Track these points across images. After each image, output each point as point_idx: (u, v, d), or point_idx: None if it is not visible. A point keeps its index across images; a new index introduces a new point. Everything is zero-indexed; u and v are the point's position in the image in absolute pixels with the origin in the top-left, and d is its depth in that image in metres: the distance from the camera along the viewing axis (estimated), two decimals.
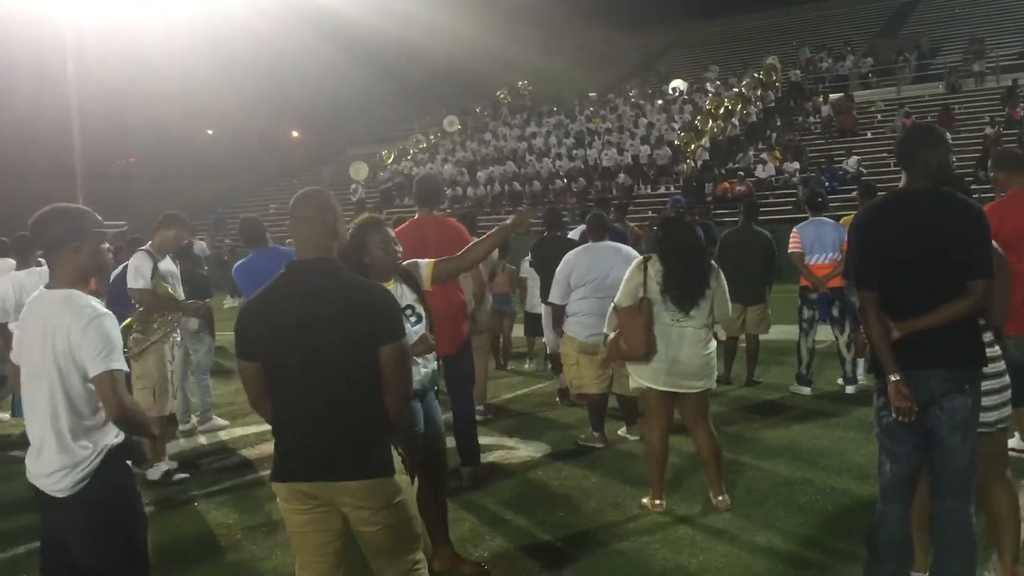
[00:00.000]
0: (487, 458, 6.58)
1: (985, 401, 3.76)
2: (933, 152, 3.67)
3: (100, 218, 3.44)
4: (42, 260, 8.05)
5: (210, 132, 48.42)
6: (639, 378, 5.41)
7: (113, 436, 3.26)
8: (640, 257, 5.52)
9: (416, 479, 4.16)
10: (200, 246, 19.29)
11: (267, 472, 6.68)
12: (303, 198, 3.25)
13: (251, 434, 7.91)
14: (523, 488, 6.04)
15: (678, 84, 36.07)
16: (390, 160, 36.86)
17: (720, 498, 5.38)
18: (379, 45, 41.40)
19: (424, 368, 4.29)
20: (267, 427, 8.13)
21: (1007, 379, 3.88)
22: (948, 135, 3.89)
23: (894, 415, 3.60)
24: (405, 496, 3.20)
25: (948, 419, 3.60)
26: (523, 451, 6.93)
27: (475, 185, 32.88)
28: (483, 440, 6.62)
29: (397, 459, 3.18)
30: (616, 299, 5.42)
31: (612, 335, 5.45)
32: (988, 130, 25.92)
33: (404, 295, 4.19)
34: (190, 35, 33.61)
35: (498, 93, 40.48)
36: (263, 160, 40.49)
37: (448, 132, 38.59)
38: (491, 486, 6.07)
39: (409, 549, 3.26)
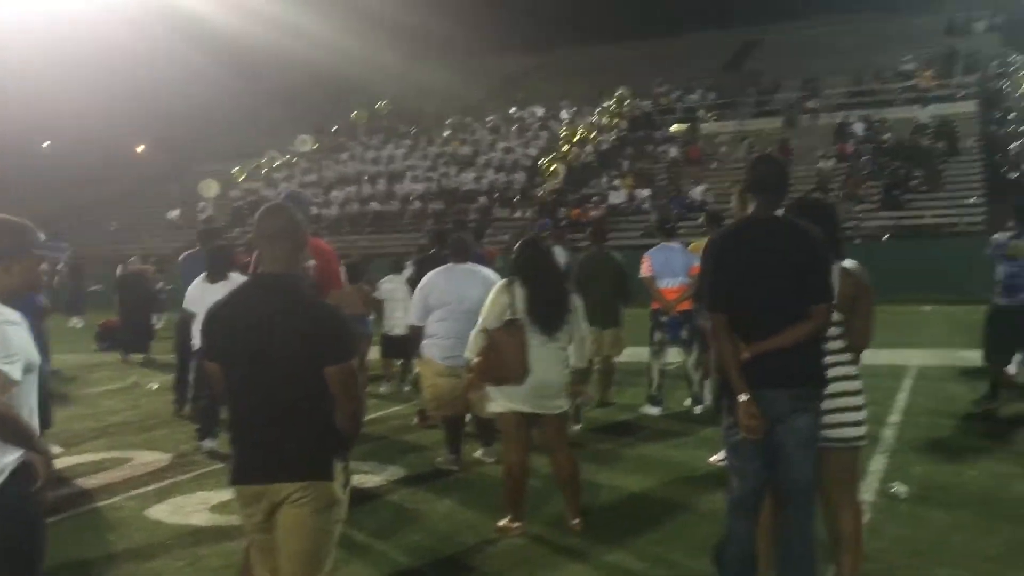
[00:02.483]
0: None
1: (846, 417, 3.95)
2: (781, 181, 3.90)
3: (42, 237, 3.25)
4: None
5: (46, 144, 45.72)
6: (504, 401, 5.36)
7: (12, 455, 3.00)
8: (503, 280, 5.54)
9: None
10: None
11: (104, 502, 6.36)
12: (269, 215, 3.34)
13: (87, 463, 7.48)
14: (379, 513, 5.93)
15: (537, 110, 36.73)
16: (242, 178, 35.89)
17: (575, 521, 5.41)
18: (233, 61, 40.22)
19: None
20: (103, 455, 7.76)
21: (863, 398, 4.05)
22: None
23: (743, 434, 3.73)
24: (339, 513, 3.28)
25: (793, 436, 3.76)
26: (379, 476, 6.82)
27: (329, 206, 32.39)
28: None
29: (340, 473, 3.26)
30: (482, 322, 5.40)
31: (476, 359, 5.40)
32: (822, 163, 27.52)
33: None
34: (28, 36, 31.73)
35: (353, 113, 40.11)
36: (106, 174, 38.58)
37: (302, 151, 37.94)
38: (349, 510, 5.92)
39: (321, 565, 3.24)
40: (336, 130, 39.75)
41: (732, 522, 3.93)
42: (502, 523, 5.44)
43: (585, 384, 5.54)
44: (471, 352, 5.45)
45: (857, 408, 4.01)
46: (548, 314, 5.29)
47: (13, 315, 3.07)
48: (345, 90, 40.74)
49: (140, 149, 42.51)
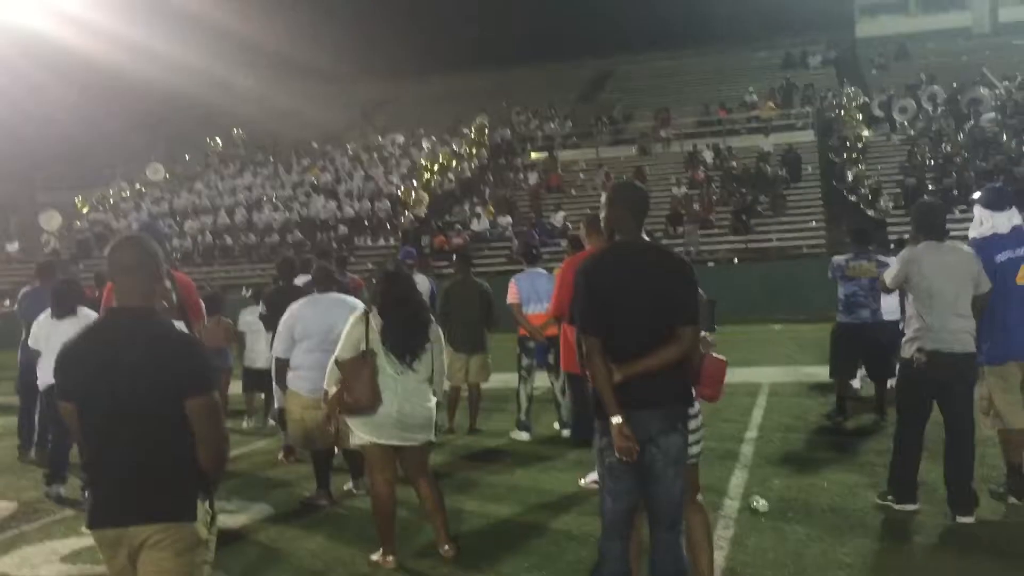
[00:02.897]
0: None
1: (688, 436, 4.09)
2: (645, 206, 4.03)
3: None
4: None
5: None
6: (362, 433, 5.30)
7: None
8: (360, 310, 5.50)
9: None
10: None
11: None
12: (123, 246, 3.20)
13: None
14: (245, 553, 5.73)
15: (398, 138, 36.69)
16: (85, 209, 34.28)
17: (446, 547, 5.39)
18: (78, 86, 38.39)
19: None
20: None
21: (701, 418, 4.27)
22: None
23: (617, 455, 3.79)
24: (205, 554, 3.13)
25: (663, 456, 3.85)
26: (244, 514, 6.58)
27: (183, 237, 31.32)
28: None
29: (204, 512, 3.11)
30: (337, 352, 5.34)
31: (333, 390, 5.32)
32: (675, 190, 28.56)
33: None
34: None
35: (208, 140, 39.02)
36: None
37: (153, 180, 36.59)
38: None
39: None
40: (190, 159, 38.55)
41: (605, 544, 3.98)
42: (375, 556, 5.36)
43: (441, 412, 5.54)
44: (328, 384, 5.39)
45: (695, 430, 4.22)
46: (404, 345, 5.27)
47: None
48: (200, 118, 39.56)
49: None
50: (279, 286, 8.40)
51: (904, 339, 5.82)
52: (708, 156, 30.66)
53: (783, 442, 8.08)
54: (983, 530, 5.48)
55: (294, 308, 6.66)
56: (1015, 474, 5.95)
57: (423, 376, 5.33)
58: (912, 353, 5.64)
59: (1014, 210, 5.97)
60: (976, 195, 6.32)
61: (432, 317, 5.58)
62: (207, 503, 3.16)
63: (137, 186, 36.24)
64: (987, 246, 5.88)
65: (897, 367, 6.27)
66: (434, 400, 5.44)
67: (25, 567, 5.63)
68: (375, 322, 5.27)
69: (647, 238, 4.08)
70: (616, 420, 3.75)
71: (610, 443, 3.83)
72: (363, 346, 5.23)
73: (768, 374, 11.98)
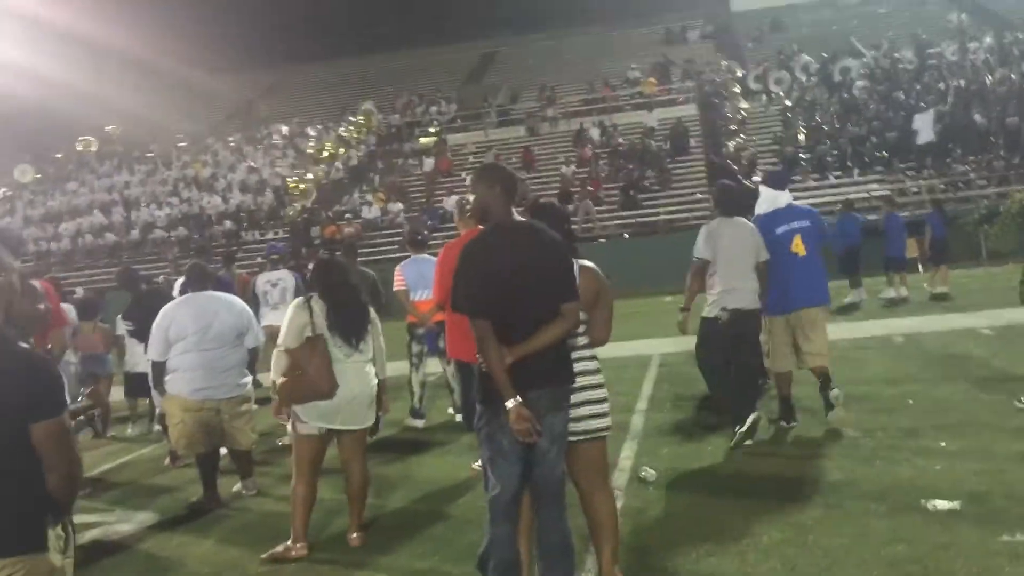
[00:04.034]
0: (86, 536, 5.96)
1: (592, 410, 4.12)
2: (514, 185, 4.03)
3: None
4: None
5: None
6: (312, 420, 5.28)
7: None
8: (299, 298, 5.51)
9: None
10: None
11: None
12: None
13: None
14: (131, 563, 5.55)
15: (282, 129, 35.92)
16: None
17: (355, 535, 5.41)
18: None
19: None
20: None
21: (605, 390, 4.25)
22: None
23: (515, 438, 3.76)
24: None
25: (548, 434, 3.86)
26: (128, 524, 6.36)
27: (59, 239, 30.03)
28: (79, 519, 5.96)
29: (56, 539, 2.89)
30: (282, 341, 5.30)
31: (280, 380, 5.27)
32: (564, 168, 28.81)
33: None
34: None
35: (80, 139, 37.43)
36: None
37: (22, 182, 34.95)
38: (95, 565, 5.49)
39: None
40: (60, 158, 36.94)
41: (494, 528, 3.96)
42: (280, 548, 5.30)
43: (385, 395, 5.58)
44: (275, 374, 5.34)
45: (601, 400, 4.20)
46: (350, 327, 5.32)
47: None
48: (70, 116, 37.87)
49: None
50: (140, 293, 8.20)
51: (709, 301, 6.92)
52: (595, 134, 30.99)
53: (672, 412, 8.26)
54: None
55: (167, 309, 6.45)
56: (784, 403, 7.17)
57: (367, 357, 5.42)
58: (717, 312, 6.81)
59: (787, 191, 7.38)
60: (760, 177, 7.25)
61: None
62: (59, 527, 2.95)
63: (4, 190, 34.52)
64: (768, 221, 7.06)
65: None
66: (375, 381, 5.48)
67: None
68: (318, 307, 5.28)
69: (519, 218, 4.07)
70: (512, 403, 3.73)
71: (500, 427, 3.81)
72: (309, 332, 5.21)
73: (658, 345, 12.19)
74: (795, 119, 28.90)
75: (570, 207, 26.16)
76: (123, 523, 6.39)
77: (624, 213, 26.47)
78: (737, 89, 31.96)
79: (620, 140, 30.05)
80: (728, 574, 4.48)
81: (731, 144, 27.84)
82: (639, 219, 26.18)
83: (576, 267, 4.15)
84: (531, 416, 3.74)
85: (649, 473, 6.10)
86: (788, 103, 30.88)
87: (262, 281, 10.30)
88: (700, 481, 6.07)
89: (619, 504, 5.57)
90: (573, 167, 29.02)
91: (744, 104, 31.33)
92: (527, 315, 3.85)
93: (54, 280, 9.93)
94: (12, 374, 2.81)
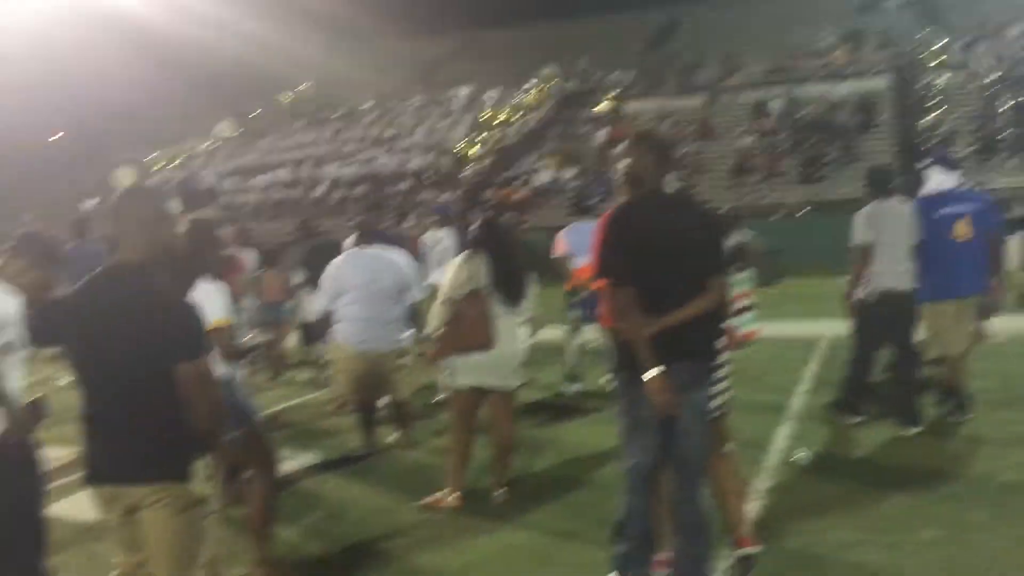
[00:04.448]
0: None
1: (714, 388, 4.04)
2: (669, 155, 3.97)
3: None
4: None
5: None
6: (470, 375, 5.43)
7: None
8: (464, 253, 5.63)
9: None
10: None
11: None
12: (126, 199, 3.16)
13: None
14: (288, 499, 5.86)
15: (461, 92, 36.56)
16: (160, 166, 35.07)
17: (499, 492, 5.56)
18: (152, 42, 39.03)
19: None
20: None
21: (728, 368, 4.18)
22: None
23: (654, 409, 3.73)
24: (205, 509, 3.14)
25: (691, 409, 3.81)
26: (291, 463, 6.73)
27: (251, 192, 31.86)
28: None
29: (203, 469, 3.11)
30: (443, 294, 5.47)
31: (440, 331, 5.44)
32: (742, 140, 27.97)
33: None
34: None
35: (278, 96, 39.46)
36: (17, 161, 37.28)
37: (224, 137, 37.21)
38: None
39: (192, 562, 3.14)
40: (257, 115, 39.06)
41: (631, 497, 3.98)
42: (435, 497, 5.51)
43: None
44: (434, 325, 5.51)
45: (720, 379, 4.13)
46: (510, 286, 5.43)
47: None
48: (266, 76, 39.93)
49: (55, 137, 41.20)
50: (316, 246, 8.55)
51: (863, 281, 6.68)
52: (777, 105, 29.88)
53: (835, 396, 7.91)
54: None
55: (336, 262, 6.76)
56: (954, 394, 6.79)
57: (521, 319, 5.53)
58: (869, 292, 6.63)
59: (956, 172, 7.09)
60: (930, 160, 7.12)
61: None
62: (205, 462, 3.14)
63: (208, 143, 36.87)
64: (930, 204, 6.75)
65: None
66: (525, 344, 5.64)
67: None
68: (481, 264, 5.40)
69: (672, 190, 4.01)
70: (653, 373, 3.69)
71: (639, 398, 3.79)
72: (472, 284, 5.35)
73: (828, 328, 11.70)
74: (999, 95, 26.80)
75: (744, 181, 25.44)
76: (287, 461, 6.77)
77: (803, 189, 25.45)
78: (936, 61, 29.93)
79: (804, 112, 28.83)
80: (877, 565, 4.30)
81: (925, 120, 26.17)
82: (819, 196, 25.11)
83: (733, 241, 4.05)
84: (671, 388, 3.69)
85: (801, 456, 5.91)
86: (993, 77, 28.67)
87: (428, 239, 10.60)
88: (856, 469, 5.83)
89: (767, 485, 5.47)
90: (752, 139, 28.12)
91: (943, 77, 29.32)
92: (671, 286, 3.79)
93: (242, 229, 10.58)
94: (157, 318, 3.00)
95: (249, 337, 4.51)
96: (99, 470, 3.11)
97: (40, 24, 34.26)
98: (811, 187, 25.34)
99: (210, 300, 4.35)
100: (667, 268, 3.80)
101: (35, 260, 3.63)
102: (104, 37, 35.90)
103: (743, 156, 26.69)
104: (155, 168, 35.06)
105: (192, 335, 3.05)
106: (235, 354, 4.53)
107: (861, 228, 6.69)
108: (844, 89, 29.74)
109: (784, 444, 6.34)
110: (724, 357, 4.14)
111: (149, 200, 3.18)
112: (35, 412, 3.46)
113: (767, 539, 4.38)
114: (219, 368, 4.22)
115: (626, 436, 3.97)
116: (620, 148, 4.03)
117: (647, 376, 3.71)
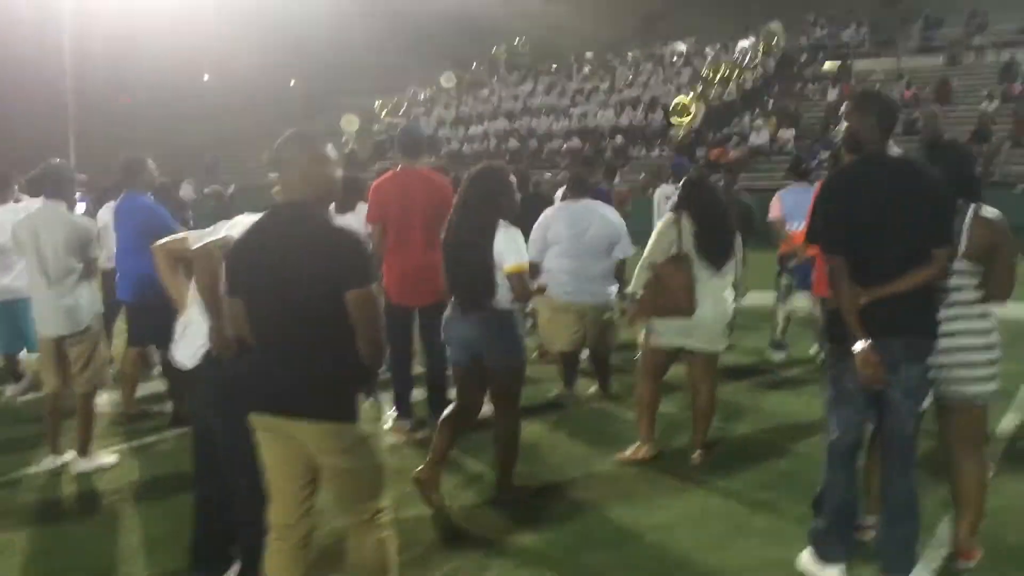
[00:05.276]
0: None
1: (969, 373, 3.79)
2: (894, 118, 3.73)
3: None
4: (20, 197, 8.00)
5: (206, 77, 47.81)
6: (671, 337, 5.42)
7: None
8: (669, 214, 5.58)
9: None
10: (187, 189, 19.03)
11: None
12: (286, 141, 3.26)
13: None
14: (487, 441, 6.08)
15: (679, 47, 35.76)
16: (384, 113, 36.56)
17: (698, 453, 5.53)
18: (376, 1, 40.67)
19: None
20: None
21: (994, 353, 3.84)
22: None
23: (861, 382, 3.60)
24: (369, 444, 3.22)
25: (902, 386, 3.63)
26: (488, 407, 6.95)
27: (470, 141, 32.72)
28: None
29: (371, 409, 3.22)
30: (647, 255, 5.47)
31: (640, 292, 5.47)
32: (985, 105, 25.83)
33: None
34: None
35: (494, 49, 40.10)
36: (259, 106, 40.03)
37: (445, 87, 38.29)
38: (460, 441, 6.10)
39: (370, 496, 3.26)
40: (477, 67, 39.88)
41: (831, 471, 3.87)
42: (627, 453, 5.58)
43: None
44: (636, 286, 5.54)
45: (984, 364, 3.81)
46: (716, 249, 5.34)
47: None
48: (485, 29, 40.63)
49: (292, 84, 43.86)
50: (526, 197, 8.62)
51: None
52: None
53: None
54: None
55: (547, 213, 6.85)
56: None
57: (728, 282, 5.45)
58: None
59: None
60: None
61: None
62: (370, 400, 3.24)
63: (428, 92, 38.05)
64: None
65: None
66: (732, 307, 5.60)
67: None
68: (687, 225, 5.34)
69: (895, 151, 3.76)
70: (862, 345, 3.55)
71: (846, 369, 3.66)
72: (675, 249, 5.32)
73: None
74: None
75: (984, 147, 23.51)
76: (487, 405, 6.99)
77: None
78: None
79: None
80: None
81: None
82: None
83: (971, 214, 3.76)
84: (880, 361, 3.52)
85: None
86: None
87: (659, 194, 10.57)
88: None
89: (990, 475, 5.11)
90: (997, 103, 25.90)
91: None
92: (888, 256, 3.60)
93: (453, 178, 10.80)
94: (329, 248, 3.11)
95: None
96: (266, 401, 3.19)
97: None
98: None
99: (507, 244, 4.61)
100: (883, 237, 3.60)
101: None
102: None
103: (984, 122, 24.64)
104: (379, 115, 36.57)
105: (359, 264, 3.11)
106: (525, 296, 4.86)
107: None
108: None
109: (1010, 434, 5.92)
110: (985, 341, 3.83)
111: (308, 145, 3.25)
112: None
113: (987, 533, 4.11)
114: (507, 304, 4.71)
115: (830, 409, 3.84)
116: (843, 109, 3.83)
117: (856, 348, 3.57)
